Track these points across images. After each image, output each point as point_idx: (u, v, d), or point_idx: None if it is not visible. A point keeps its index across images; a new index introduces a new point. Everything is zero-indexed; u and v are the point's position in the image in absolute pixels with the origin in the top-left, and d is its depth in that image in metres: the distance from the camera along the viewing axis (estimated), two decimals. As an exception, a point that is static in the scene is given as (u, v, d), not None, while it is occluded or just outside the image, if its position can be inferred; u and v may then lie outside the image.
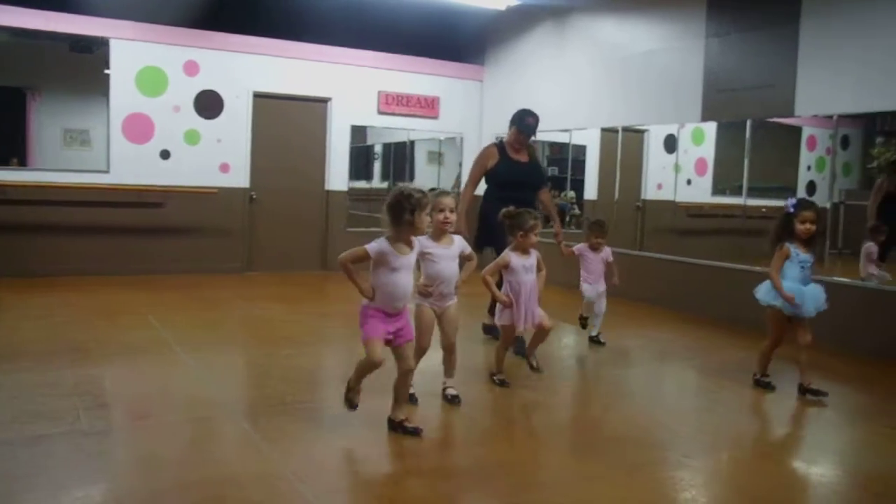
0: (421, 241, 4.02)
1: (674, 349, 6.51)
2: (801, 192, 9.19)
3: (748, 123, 7.75)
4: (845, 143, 10.86)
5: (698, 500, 3.29)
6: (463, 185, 6.46)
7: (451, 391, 4.49)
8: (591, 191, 10.06)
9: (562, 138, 10.36)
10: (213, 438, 3.86)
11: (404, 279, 3.77)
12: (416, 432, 3.82)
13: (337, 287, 9.23)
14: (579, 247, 6.31)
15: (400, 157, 11.81)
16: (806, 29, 6.93)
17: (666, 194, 9.52)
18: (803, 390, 4.85)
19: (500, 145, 6.32)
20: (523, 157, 6.24)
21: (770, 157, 9.96)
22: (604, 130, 9.59)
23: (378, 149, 12.73)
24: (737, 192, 8.56)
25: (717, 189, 9.34)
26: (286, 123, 10.10)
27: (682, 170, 9.67)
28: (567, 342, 6.61)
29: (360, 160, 12.02)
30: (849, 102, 6.68)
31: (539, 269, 4.81)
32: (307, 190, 10.30)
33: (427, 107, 10.86)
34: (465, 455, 3.78)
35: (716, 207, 9.01)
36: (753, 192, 8.57)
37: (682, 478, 3.52)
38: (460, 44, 11.18)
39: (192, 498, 3.04)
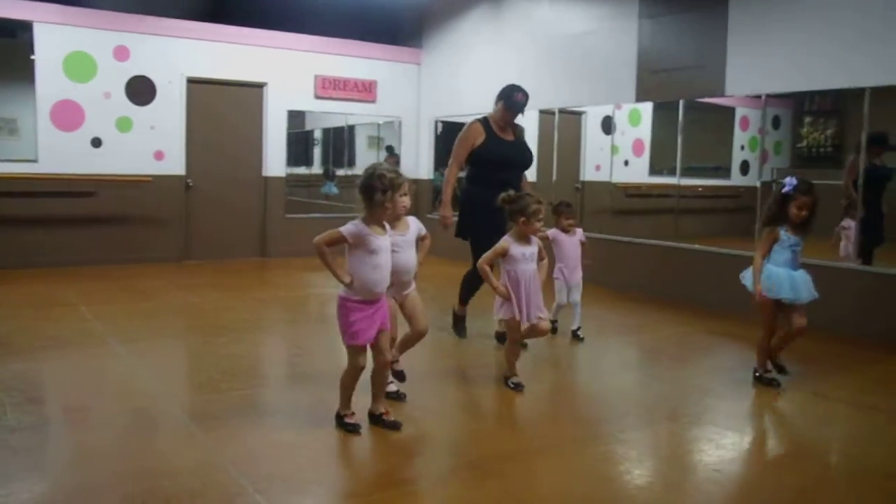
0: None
1: (612, 326, 6.60)
2: (735, 172, 9.40)
3: (681, 104, 7.86)
4: (776, 123, 11.10)
5: (632, 472, 3.34)
6: (447, 168, 5.82)
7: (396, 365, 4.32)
8: (530, 173, 10.08)
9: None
10: (147, 429, 3.78)
11: (385, 261, 3.56)
12: (395, 426, 3.67)
13: (276, 273, 9.14)
14: (551, 231, 5.78)
15: (340, 142, 11.70)
16: (735, 10, 7.07)
17: (604, 175, 9.63)
18: (774, 366, 4.68)
19: (484, 122, 5.75)
20: (509, 136, 5.76)
21: (705, 138, 10.14)
22: (542, 112, 9.63)
23: (318, 134, 12.60)
24: (674, 172, 8.69)
25: (654, 169, 9.48)
26: (221, 109, 9.90)
27: (620, 151, 9.78)
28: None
29: (299, 146, 11.88)
30: (777, 82, 6.83)
31: (541, 259, 4.45)
32: (244, 176, 10.14)
33: (364, 91, 10.77)
34: (404, 436, 3.76)
35: (653, 187, 9.15)
36: (689, 171, 8.72)
37: (617, 451, 3.57)
38: (398, 27, 11.11)
39: (125, 490, 2.97)
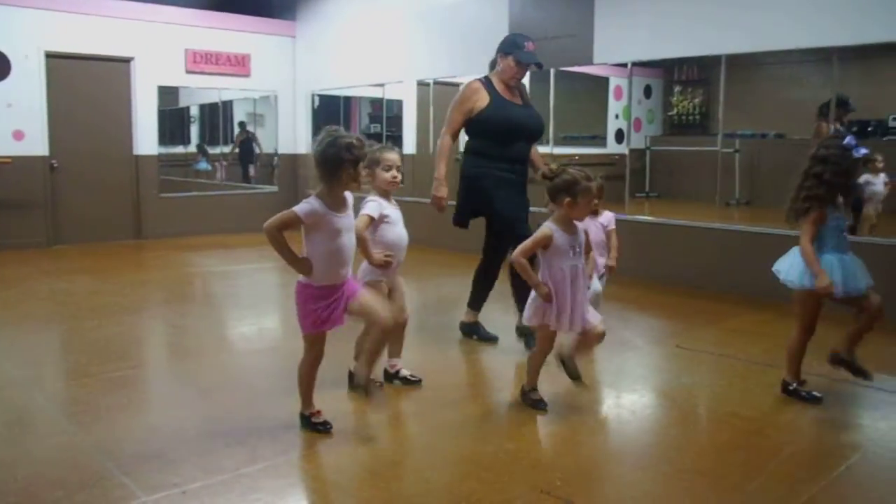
0: (378, 202, 3.66)
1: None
2: (611, 141, 9.72)
3: (552, 73, 8.01)
4: (648, 92, 11.54)
5: (522, 454, 3.44)
6: (439, 137, 4.81)
7: (405, 371, 4.04)
8: (409, 146, 10.12)
9: (377, 93, 10.32)
10: (7, 416, 3.61)
11: (348, 242, 3.15)
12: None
13: (152, 255, 8.85)
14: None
15: (218, 118, 11.37)
16: (601, -20, 7.25)
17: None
18: (842, 362, 3.73)
19: (486, 81, 4.74)
20: (517, 99, 4.77)
21: (581, 108, 10.42)
22: (420, 85, 9.65)
23: (194, 111, 12.22)
24: (560, 142, 8.87)
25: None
26: (86, 85, 9.41)
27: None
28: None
29: (174, 123, 11.49)
30: (643, 50, 7.05)
31: (587, 251, 3.64)
32: (114, 155, 9.69)
33: (238, 65, 10.47)
34: (279, 412, 3.74)
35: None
36: (567, 141, 8.95)
37: (498, 410, 3.66)
38: (271, -1, 10.85)
39: (-23, 482, 2.84)
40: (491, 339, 4.85)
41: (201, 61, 10.12)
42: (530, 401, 3.62)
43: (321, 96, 11.03)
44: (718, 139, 6.88)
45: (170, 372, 4.53)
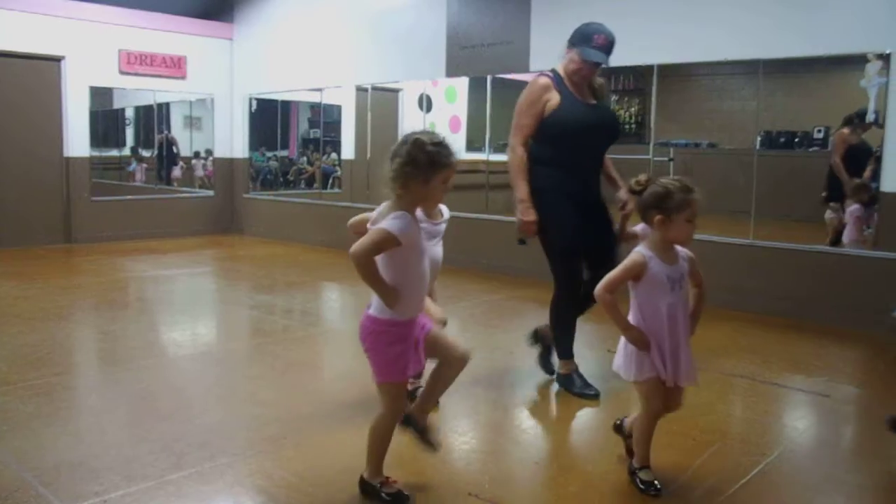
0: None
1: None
2: (547, 147, 9.80)
3: (488, 80, 8.07)
4: (585, 100, 11.62)
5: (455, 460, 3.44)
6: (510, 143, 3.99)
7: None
8: (348, 151, 10.09)
9: (316, 98, 10.26)
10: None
11: (428, 264, 2.68)
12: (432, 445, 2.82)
13: (82, 259, 8.62)
14: (641, 227, 3.70)
15: (153, 121, 11.13)
16: (537, -13, 7.35)
17: (422, 152, 9.73)
18: None
19: (556, 77, 3.95)
20: (590, 99, 3.98)
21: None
22: (359, 90, 9.62)
23: (130, 113, 11.96)
24: (499, 148, 8.90)
25: (472, 146, 9.71)
26: (12, 84, 9.12)
27: (437, 127, 9.94)
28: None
29: (108, 124, 11.23)
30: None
31: (696, 283, 2.87)
32: (42, 158, 9.41)
33: (174, 66, 10.29)
34: (207, 419, 3.68)
35: (470, 163, 9.37)
36: (506, 148, 8.99)
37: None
38: (208, 1, 10.68)
39: None
40: (588, 395, 3.97)
41: (135, 62, 9.92)
42: (642, 483, 2.83)
43: (259, 100, 10.91)
44: (650, 148, 7.02)
45: (96, 379, 4.43)
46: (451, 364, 2.71)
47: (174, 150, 11.33)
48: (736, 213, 6.45)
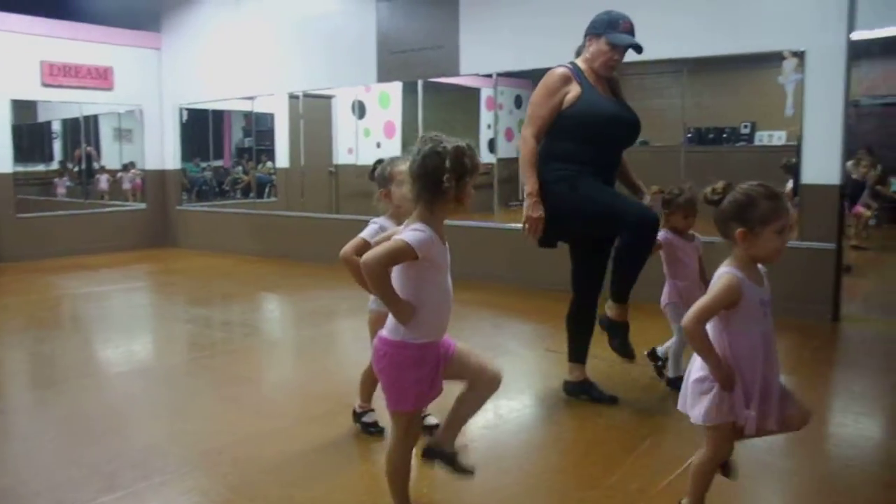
0: (382, 224, 3.17)
1: (362, 305, 6.68)
2: (484, 150, 9.90)
3: (419, 84, 8.11)
4: (518, 102, 11.80)
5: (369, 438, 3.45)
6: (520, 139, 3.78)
7: (430, 419, 3.37)
8: (282, 159, 10.00)
9: (248, 106, 10.14)
10: None
11: (449, 284, 2.44)
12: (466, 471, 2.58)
13: (9, 279, 8.36)
14: (662, 235, 3.86)
15: (81, 134, 10.86)
16: (465, -7, 7.41)
17: (358, 158, 9.76)
18: None
19: (574, 69, 3.74)
20: (609, 93, 3.79)
21: (454, 118, 10.57)
22: (291, 97, 9.56)
23: (56, 126, 11.67)
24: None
25: (407, 150, 9.72)
26: (-72, 99, 8.83)
27: (371, 133, 9.96)
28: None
29: (34, 139, 10.94)
30: (507, 61, 7.23)
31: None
32: (-37, 174, 9.12)
33: (100, 78, 10.05)
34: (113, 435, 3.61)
35: (406, 169, 9.40)
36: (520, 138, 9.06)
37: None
38: (133, 9, 10.46)
39: None
40: (605, 400, 3.83)
41: (59, 74, 9.66)
42: None
43: (190, 110, 10.74)
44: (522, 141, 7.17)
45: (25, 402, 4.29)
46: (479, 387, 2.51)
47: (95, 164, 11.04)
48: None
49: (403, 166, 2.97)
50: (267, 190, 10.53)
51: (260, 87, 9.51)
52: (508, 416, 3.78)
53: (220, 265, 9.07)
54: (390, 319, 2.35)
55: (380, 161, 3.29)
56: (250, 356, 5.10)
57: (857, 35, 5.39)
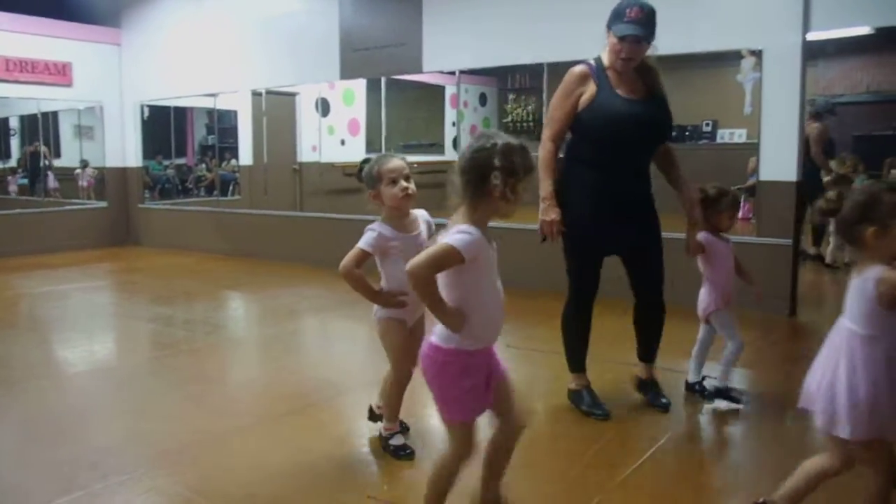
0: (379, 230, 2.98)
1: (326, 303, 6.68)
2: (448, 148, 9.92)
3: (383, 81, 8.10)
4: (483, 100, 11.85)
5: (337, 431, 3.44)
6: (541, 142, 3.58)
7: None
8: (245, 156, 9.92)
9: (211, 103, 10.04)
10: None
11: (499, 286, 2.31)
12: None
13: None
14: (703, 235, 3.72)
15: (40, 130, 10.68)
16: (428, -10, 7.42)
17: (322, 155, 9.72)
18: None
19: (596, 66, 3.56)
20: (633, 92, 3.52)
21: (419, 116, 10.58)
22: (255, 94, 9.48)
23: (14, 123, 11.49)
24: (400, 150, 8.92)
25: (372, 148, 9.72)
26: None
27: (336, 131, 9.93)
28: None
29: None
30: (469, 59, 7.26)
31: None
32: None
33: (58, 73, 9.87)
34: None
35: (370, 166, 9.37)
36: (407, 149, 9.05)
37: (326, 418, 3.65)
38: (93, 4, 10.30)
39: None
40: (596, 414, 3.62)
41: (15, 69, 9.47)
42: None
43: (152, 107, 10.61)
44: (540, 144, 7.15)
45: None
46: (507, 429, 2.37)
47: (45, 161, 10.85)
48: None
49: (393, 164, 2.97)
50: (231, 188, 10.44)
51: (222, 84, 9.42)
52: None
53: (183, 264, 8.97)
54: (439, 325, 2.22)
55: (367, 160, 3.09)
56: (212, 355, 5.07)
57: (813, 35, 5.49)
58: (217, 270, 8.51)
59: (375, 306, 3.06)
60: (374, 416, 3.38)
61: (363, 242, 2.95)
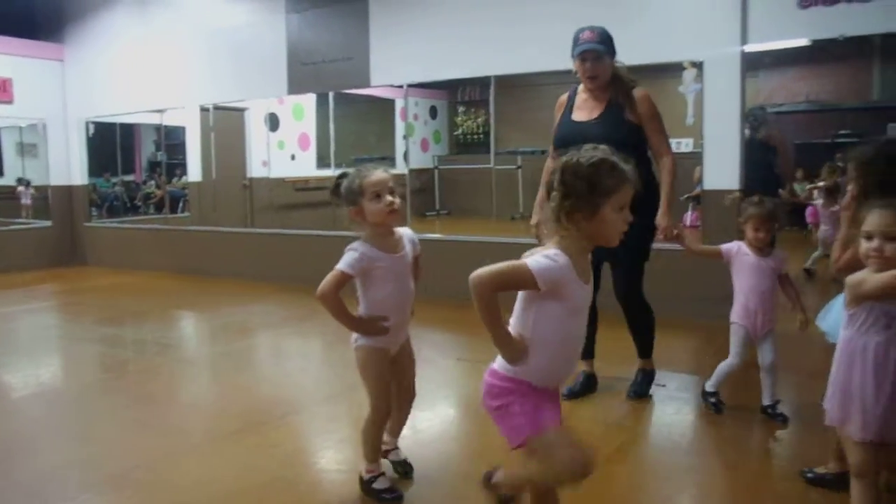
0: (362, 251, 2.69)
1: (278, 319, 6.63)
2: (400, 161, 9.93)
3: (331, 96, 8.11)
4: (434, 113, 11.92)
5: (286, 447, 3.40)
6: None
7: (399, 453, 3.08)
8: (194, 173, 9.80)
9: (158, 120, 9.92)
10: None
11: (581, 326, 2.07)
12: None
13: None
14: (734, 246, 3.64)
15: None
16: (375, 4, 7.42)
17: (272, 171, 9.66)
18: None
19: (572, 91, 3.99)
20: (595, 111, 3.80)
21: (371, 130, 10.58)
22: (203, 110, 9.39)
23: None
24: (342, 163, 8.93)
25: (323, 162, 9.70)
26: None
27: (286, 146, 9.88)
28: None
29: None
30: (417, 73, 7.28)
31: None
32: None
33: (-2, 90, 9.67)
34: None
35: (321, 180, 9.34)
36: (359, 163, 9.02)
37: (277, 436, 3.61)
38: (34, 20, 10.11)
39: None
40: (572, 395, 3.97)
41: (-47, 86, 9.24)
42: None
43: (97, 124, 10.43)
44: (491, 157, 7.24)
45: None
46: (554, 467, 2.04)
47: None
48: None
49: (377, 176, 2.69)
50: (181, 205, 10.31)
51: (169, 100, 9.31)
52: (419, 426, 3.78)
53: (132, 283, 8.82)
54: None
55: (343, 175, 2.79)
56: (161, 375, 4.97)
57: (751, 47, 5.62)
58: (166, 289, 8.38)
59: (353, 334, 2.77)
60: (364, 486, 2.92)
61: (344, 264, 2.65)
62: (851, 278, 2.25)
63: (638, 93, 3.79)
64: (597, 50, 3.69)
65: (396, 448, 3.05)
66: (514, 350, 1.97)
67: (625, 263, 3.85)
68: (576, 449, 1.98)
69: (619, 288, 3.94)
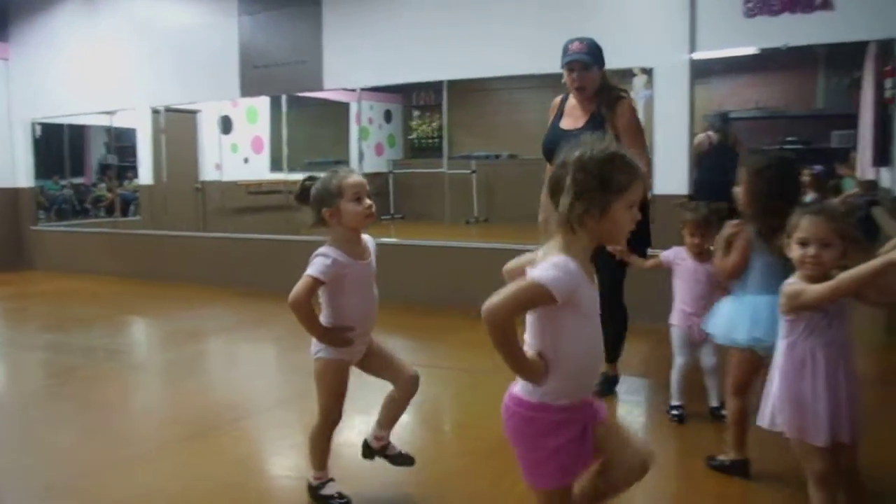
0: (334, 257, 2.59)
1: (229, 325, 6.56)
2: (354, 163, 9.88)
3: (283, 98, 8.06)
4: (388, 117, 11.89)
5: (244, 452, 3.37)
6: None
7: (395, 447, 3.02)
8: (146, 176, 9.64)
9: (107, 121, 9.75)
10: None
11: (597, 331, 1.96)
12: None
13: None
14: (671, 253, 3.78)
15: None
16: (328, 7, 7.41)
17: (225, 174, 9.55)
18: None
19: (564, 97, 4.12)
20: (580, 120, 3.90)
21: (325, 133, 10.53)
22: (154, 112, 9.24)
23: None
24: (297, 167, 8.87)
25: (277, 166, 9.61)
26: None
27: (239, 149, 9.78)
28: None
29: None
30: (370, 76, 7.29)
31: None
32: None
33: (-62, 90, 9.40)
34: None
35: (275, 183, 9.26)
36: (312, 166, 8.97)
37: (227, 442, 3.57)
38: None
39: None
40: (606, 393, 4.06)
41: None
42: None
43: (45, 125, 10.20)
44: (444, 161, 7.27)
45: None
46: (621, 475, 2.03)
47: None
48: (536, 220, 6.79)
49: (356, 178, 2.63)
50: (132, 208, 10.14)
51: (119, 101, 9.16)
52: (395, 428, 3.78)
53: (80, 288, 8.65)
54: None
55: (311, 178, 2.70)
56: (110, 382, 4.89)
57: (699, 55, 5.73)
58: (116, 294, 8.24)
59: (313, 342, 2.71)
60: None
61: (316, 270, 2.56)
62: (789, 289, 2.27)
63: (622, 104, 3.88)
64: (584, 61, 3.84)
65: (390, 443, 2.98)
66: (536, 373, 1.84)
67: (610, 263, 3.73)
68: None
69: (603, 289, 3.86)
